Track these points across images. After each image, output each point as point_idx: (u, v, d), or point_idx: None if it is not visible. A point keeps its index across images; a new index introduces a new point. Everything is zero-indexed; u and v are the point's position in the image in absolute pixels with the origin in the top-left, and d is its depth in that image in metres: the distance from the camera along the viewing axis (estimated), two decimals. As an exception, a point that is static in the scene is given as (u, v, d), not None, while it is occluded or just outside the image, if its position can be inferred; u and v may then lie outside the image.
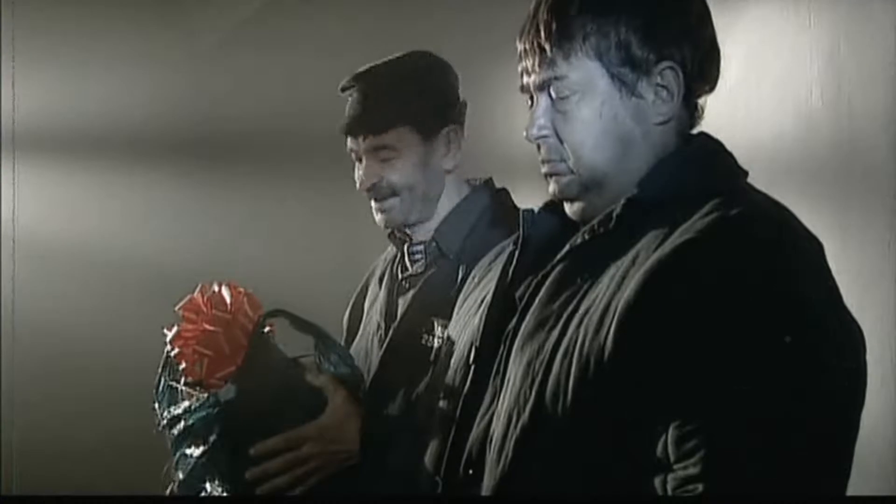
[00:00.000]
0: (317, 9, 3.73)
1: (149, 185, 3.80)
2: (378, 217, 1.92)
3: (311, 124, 3.70)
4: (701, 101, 1.30)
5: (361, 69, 1.93)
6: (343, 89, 1.94)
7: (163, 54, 3.77)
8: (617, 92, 1.26)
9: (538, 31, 1.28)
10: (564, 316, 1.21)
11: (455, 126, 1.92)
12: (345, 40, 3.57)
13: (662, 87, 1.26)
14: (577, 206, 1.31)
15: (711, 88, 1.30)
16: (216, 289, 1.67)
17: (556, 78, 1.27)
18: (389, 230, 1.98)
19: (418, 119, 1.89)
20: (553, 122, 1.29)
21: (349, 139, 1.92)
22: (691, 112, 1.29)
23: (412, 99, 1.90)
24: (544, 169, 1.31)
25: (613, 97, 1.26)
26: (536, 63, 1.28)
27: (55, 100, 3.73)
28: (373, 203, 1.91)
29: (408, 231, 1.92)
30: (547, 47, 1.27)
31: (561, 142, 1.29)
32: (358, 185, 1.91)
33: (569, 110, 1.27)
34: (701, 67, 1.27)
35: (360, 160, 1.92)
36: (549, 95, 1.29)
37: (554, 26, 1.27)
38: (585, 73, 1.26)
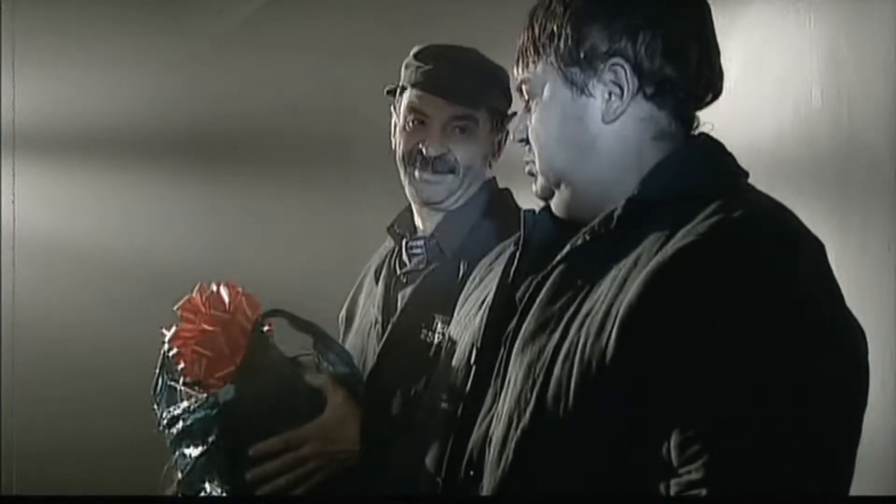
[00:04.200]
0: (317, 9, 3.73)
1: (148, 184, 3.79)
2: (420, 188, 1.88)
3: (310, 124, 3.72)
4: (669, 72, 1.25)
5: (442, 45, 1.92)
6: (421, 52, 1.91)
7: (163, 54, 3.77)
8: (569, 92, 1.27)
9: (522, 36, 1.31)
10: (565, 318, 1.21)
11: (506, 132, 1.92)
12: (345, 40, 3.57)
13: (614, 83, 1.25)
14: (556, 205, 1.33)
15: (681, 78, 1.25)
16: (215, 289, 1.67)
17: (523, 81, 1.32)
18: (390, 225, 1.98)
19: (496, 110, 1.91)
20: (527, 124, 1.32)
21: (424, 102, 1.88)
22: (664, 101, 1.26)
23: (498, 89, 1.92)
24: (525, 169, 1.34)
25: (566, 97, 1.27)
26: (518, 68, 1.32)
27: (55, 100, 3.73)
28: (423, 173, 1.87)
29: (437, 205, 1.90)
30: (523, 52, 1.31)
31: (529, 142, 1.32)
32: (423, 150, 1.86)
33: (533, 112, 1.31)
34: (662, 61, 1.24)
35: (421, 123, 1.88)
36: (524, 98, 1.32)
37: (528, 32, 1.30)
38: (543, 74, 1.28)
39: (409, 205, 1.98)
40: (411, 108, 1.89)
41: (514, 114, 1.95)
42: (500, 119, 1.93)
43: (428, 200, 1.89)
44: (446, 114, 1.87)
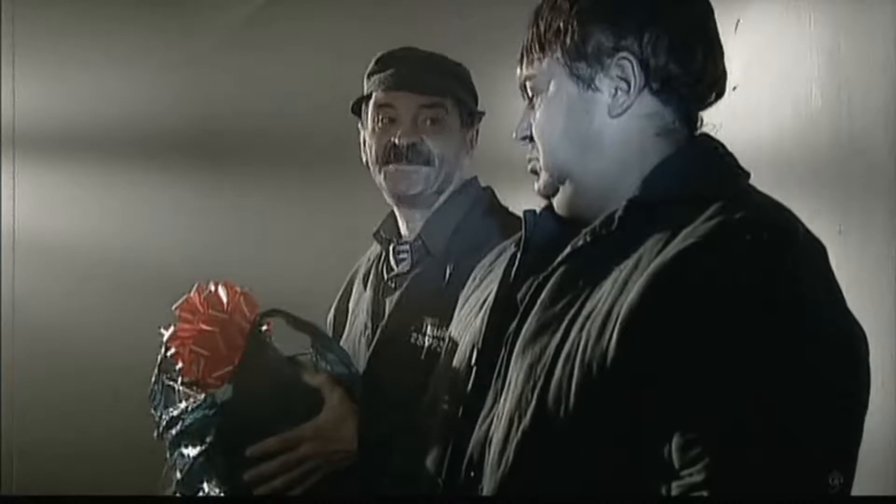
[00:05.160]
0: (317, 9, 3.73)
1: (148, 184, 3.79)
2: (396, 180, 1.88)
3: (309, 124, 3.71)
4: (674, 69, 1.25)
5: (401, 48, 1.94)
6: (381, 59, 1.93)
7: (162, 54, 3.77)
8: (575, 86, 1.27)
9: (527, 34, 1.31)
10: (566, 320, 1.21)
11: (476, 129, 1.95)
12: (345, 40, 3.57)
13: (621, 79, 1.25)
14: (559, 202, 1.33)
15: (685, 75, 1.26)
16: (213, 288, 1.67)
17: (527, 78, 1.31)
18: (376, 231, 1.98)
19: (464, 102, 1.92)
20: (530, 121, 1.31)
21: (391, 97, 1.89)
22: (669, 98, 1.27)
23: (462, 84, 1.93)
24: (528, 167, 1.34)
25: (572, 92, 1.27)
26: (523, 65, 1.32)
27: (55, 100, 3.73)
28: (398, 165, 1.87)
29: (415, 198, 1.90)
30: (528, 48, 1.31)
31: (533, 140, 1.31)
32: (395, 141, 1.87)
33: (537, 109, 1.30)
34: (668, 57, 1.24)
35: (391, 120, 1.89)
36: (528, 96, 1.32)
37: (533, 30, 1.30)
38: (549, 70, 1.28)
39: (393, 210, 1.98)
40: (379, 107, 1.90)
41: (483, 113, 1.96)
42: (469, 114, 1.93)
43: (405, 192, 1.89)
44: (414, 104, 1.88)
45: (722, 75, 1.30)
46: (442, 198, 1.92)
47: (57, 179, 3.77)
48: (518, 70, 1.34)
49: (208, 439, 1.59)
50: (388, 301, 1.91)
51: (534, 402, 1.18)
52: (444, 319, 1.59)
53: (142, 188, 3.79)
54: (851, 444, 1.11)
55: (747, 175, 1.27)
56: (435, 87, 1.88)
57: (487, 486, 1.22)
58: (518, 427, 1.19)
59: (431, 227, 1.90)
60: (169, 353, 1.64)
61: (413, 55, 1.93)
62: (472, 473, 1.26)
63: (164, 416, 1.63)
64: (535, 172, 1.34)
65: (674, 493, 1.09)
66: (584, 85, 1.26)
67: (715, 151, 1.28)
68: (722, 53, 1.30)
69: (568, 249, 1.27)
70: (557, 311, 1.23)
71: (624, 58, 1.24)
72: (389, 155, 1.88)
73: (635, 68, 1.24)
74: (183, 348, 1.62)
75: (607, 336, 1.13)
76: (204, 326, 1.62)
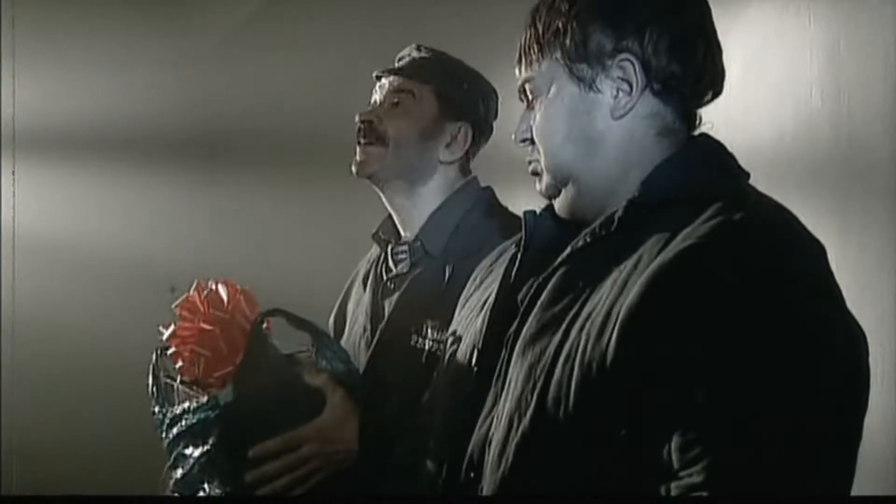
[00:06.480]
0: (317, 9, 3.73)
1: (148, 184, 3.79)
2: (355, 160, 1.92)
3: (310, 124, 3.71)
4: (675, 68, 1.25)
5: (430, 46, 1.98)
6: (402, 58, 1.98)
7: (162, 54, 3.77)
8: (576, 88, 1.27)
9: (525, 35, 1.31)
10: (566, 320, 1.21)
11: (469, 126, 1.92)
12: (345, 40, 3.57)
13: (622, 80, 1.25)
14: (561, 204, 1.32)
15: (686, 74, 1.26)
16: (213, 287, 1.66)
17: (527, 80, 1.31)
18: (375, 232, 1.98)
19: (447, 94, 1.91)
20: (530, 123, 1.31)
21: (378, 84, 1.94)
22: (670, 98, 1.27)
23: (453, 76, 1.93)
24: (529, 169, 1.34)
25: (573, 93, 1.27)
26: (521, 67, 1.32)
27: (55, 100, 3.73)
28: (358, 144, 1.91)
29: (376, 181, 1.92)
30: (526, 50, 1.31)
31: (534, 142, 1.31)
32: (356, 119, 1.91)
33: (538, 110, 1.30)
34: (669, 57, 1.24)
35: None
36: (527, 98, 1.32)
37: (531, 31, 1.30)
38: (549, 72, 1.28)
39: (390, 213, 1.98)
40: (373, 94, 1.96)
41: (489, 123, 1.94)
42: (449, 105, 1.91)
43: (358, 171, 1.91)
44: (388, 89, 1.92)
45: (721, 73, 1.30)
46: (430, 194, 1.91)
47: (57, 179, 3.77)
48: (517, 72, 1.33)
49: (210, 440, 1.59)
50: (387, 303, 1.90)
51: (533, 403, 1.18)
52: (444, 321, 1.58)
53: (142, 188, 3.78)
54: (851, 445, 1.11)
55: (747, 175, 1.27)
56: (406, 71, 1.91)
57: (487, 486, 1.22)
58: (518, 427, 1.19)
59: (430, 228, 1.89)
60: (169, 352, 1.64)
61: (417, 49, 1.96)
62: (472, 473, 1.26)
63: (166, 414, 1.63)
64: (536, 174, 1.34)
65: (673, 493, 1.09)
66: (585, 86, 1.26)
67: (715, 152, 1.28)
68: (721, 51, 1.30)
69: (568, 250, 1.27)
70: (557, 312, 1.23)
71: (625, 59, 1.24)
72: (356, 133, 1.92)
73: (637, 69, 1.24)
74: (183, 347, 1.61)
75: (607, 336, 1.13)
76: (204, 325, 1.61)
